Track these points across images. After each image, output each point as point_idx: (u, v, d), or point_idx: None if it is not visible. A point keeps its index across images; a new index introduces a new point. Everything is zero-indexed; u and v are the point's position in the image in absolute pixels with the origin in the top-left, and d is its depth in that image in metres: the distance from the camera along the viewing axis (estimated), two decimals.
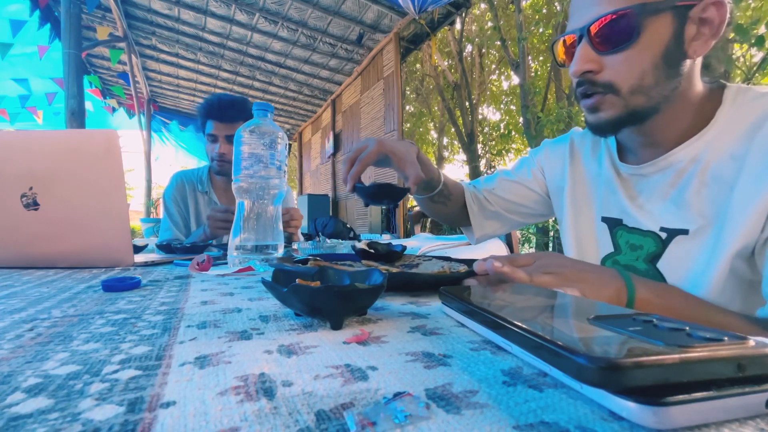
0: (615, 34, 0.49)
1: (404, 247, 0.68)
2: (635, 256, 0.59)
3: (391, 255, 0.65)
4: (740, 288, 0.50)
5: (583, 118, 0.74)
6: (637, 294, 0.40)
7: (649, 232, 0.57)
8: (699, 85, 0.53)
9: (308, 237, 1.43)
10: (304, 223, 5.16)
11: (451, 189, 0.81)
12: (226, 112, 1.23)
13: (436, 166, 0.78)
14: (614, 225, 0.62)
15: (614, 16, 0.48)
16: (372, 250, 0.65)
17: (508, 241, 1.95)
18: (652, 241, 0.56)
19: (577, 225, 0.69)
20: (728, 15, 0.47)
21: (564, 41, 0.57)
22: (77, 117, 2.56)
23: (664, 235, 0.55)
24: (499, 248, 1.97)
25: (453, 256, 0.68)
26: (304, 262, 0.58)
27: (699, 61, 0.52)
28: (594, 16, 0.50)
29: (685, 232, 0.53)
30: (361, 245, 0.68)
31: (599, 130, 0.56)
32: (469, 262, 0.56)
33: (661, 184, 0.56)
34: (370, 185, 0.61)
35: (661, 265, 0.56)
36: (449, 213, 0.83)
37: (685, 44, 0.49)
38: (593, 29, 0.50)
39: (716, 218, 0.50)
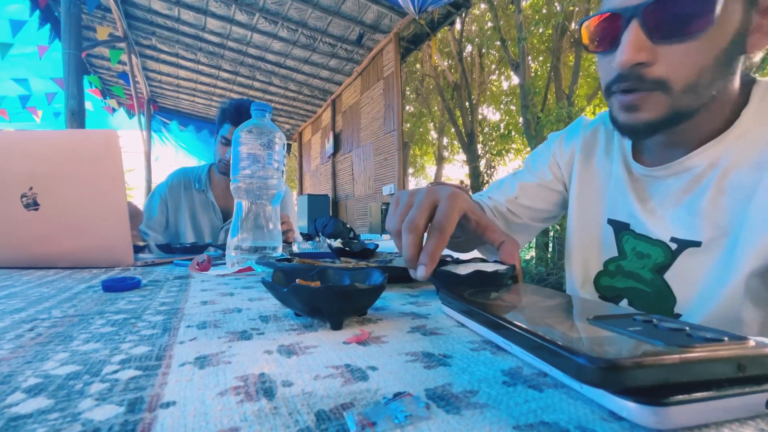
0: (683, 20, 0.41)
1: (377, 245, 0.75)
2: (641, 264, 0.55)
3: (365, 252, 0.72)
4: (756, 308, 0.46)
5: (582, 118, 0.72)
6: None
7: (658, 242, 0.53)
8: (736, 82, 0.46)
9: (308, 237, 1.43)
10: (304, 222, 5.16)
11: None
12: (243, 117, 1.24)
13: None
14: (620, 228, 0.58)
15: None
16: (347, 249, 0.72)
17: None
18: (661, 251, 0.52)
19: (582, 224, 0.64)
20: None
21: (596, 22, 0.48)
22: (77, 117, 2.56)
23: (674, 246, 0.51)
24: None
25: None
26: (289, 261, 0.61)
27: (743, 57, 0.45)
28: None
29: (697, 244, 0.49)
30: (336, 244, 0.74)
31: (634, 132, 0.49)
32: (441, 259, 0.58)
33: (675, 189, 0.51)
34: (471, 273, 0.38)
35: (669, 276, 0.52)
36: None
37: (747, 36, 0.42)
38: (652, 11, 0.41)
39: (732, 230, 0.46)
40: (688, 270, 0.50)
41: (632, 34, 0.43)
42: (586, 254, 0.64)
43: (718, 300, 0.47)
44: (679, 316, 0.52)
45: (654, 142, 0.54)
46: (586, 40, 0.50)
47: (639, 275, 0.56)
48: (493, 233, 0.45)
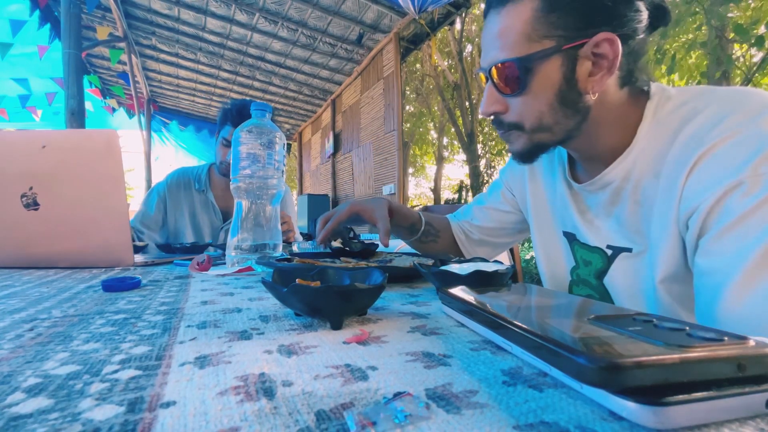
0: (508, 80, 0.50)
1: (377, 245, 0.76)
2: (588, 271, 0.60)
3: (365, 252, 0.73)
4: (683, 309, 0.49)
5: None
6: None
7: (596, 248, 0.57)
8: (620, 101, 0.51)
9: (308, 237, 1.42)
10: (304, 222, 5.16)
11: (437, 226, 0.83)
12: (245, 119, 1.24)
13: (415, 211, 0.82)
14: (571, 239, 0.63)
15: (504, 65, 0.50)
16: (347, 249, 0.72)
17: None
18: (599, 257, 0.57)
19: (543, 239, 0.69)
20: (620, 49, 0.46)
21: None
22: (77, 117, 2.55)
23: (609, 252, 0.56)
24: (501, 254, 1.96)
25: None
26: (289, 261, 0.62)
27: (612, 84, 0.50)
28: (491, 60, 0.51)
29: (628, 250, 0.53)
30: (336, 244, 0.74)
31: (517, 157, 0.57)
32: (441, 259, 0.60)
33: (604, 201, 0.56)
34: (471, 273, 0.42)
35: (607, 280, 0.56)
36: (441, 248, 0.85)
37: (580, 83, 0.48)
38: (493, 73, 0.51)
39: (650, 235, 0.50)
40: (622, 274, 0.54)
41: (488, 91, 0.54)
42: (554, 266, 0.68)
43: (650, 303, 0.51)
44: None
45: (576, 157, 0.60)
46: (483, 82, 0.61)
47: (589, 282, 0.60)
48: (375, 220, 0.70)
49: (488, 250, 0.85)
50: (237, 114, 1.23)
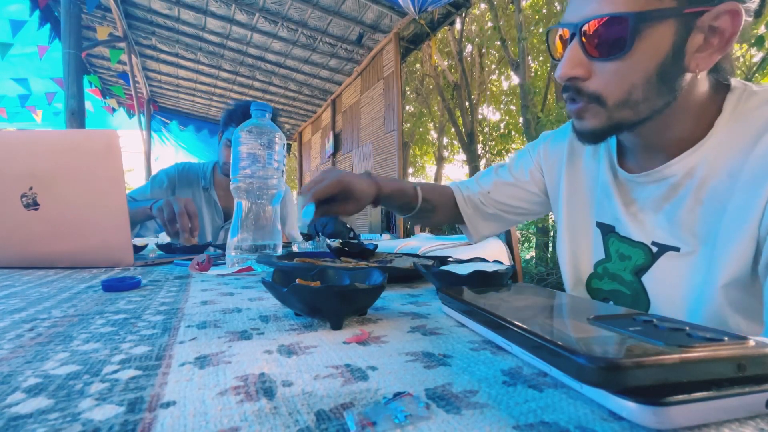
0: (607, 41, 0.44)
1: (376, 246, 0.76)
2: (623, 266, 0.57)
3: (364, 253, 0.72)
4: (739, 316, 0.46)
5: None
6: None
7: (639, 243, 0.54)
8: (702, 93, 0.48)
9: (308, 237, 1.42)
10: None
11: (436, 200, 0.77)
12: (242, 117, 1.23)
13: (410, 185, 0.74)
14: (607, 231, 0.60)
15: (608, 20, 0.43)
16: (346, 249, 0.72)
17: (508, 240, 1.95)
18: (642, 253, 0.54)
19: (572, 228, 0.66)
20: (741, 25, 0.41)
21: (560, 34, 0.52)
22: (77, 117, 2.55)
23: (655, 249, 0.52)
24: (499, 248, 1.97)
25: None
26: (290, 258, 0.63)
27: (704, 73, 0.46)
28: (589, 14, 0.44)
29: (676, 249, 0.50)
30: (335, 244, 0.74)
31: (584, 137, 0.52)
32: (441, 258, 0.62)
33: (656, 195, 0.53)
34: (471, 273, 0.41)
35: (646, 278, 0.54)
36: (439, 220, 0.81)
37: (686, 57, 0.43)
38: (586, 30, 0.45)
39: (708, 239, 0.47)
40: (666, 274, 0.51)
41: (571, 50, 0.47)
42: (577, 256, 0.65)
43: (693, 307, 0.48)
44: None
45: (633, 145, 0.56)
46: (552, 50, 0.55)
47: (621, 277, 0.57)
48: (352, 207, 0.66)
49: (495, 227, 0.80)
50: (241, 115, 1.21)
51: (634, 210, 0.55)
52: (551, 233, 5.05)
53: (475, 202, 0.78)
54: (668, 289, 0.51)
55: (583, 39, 0.46)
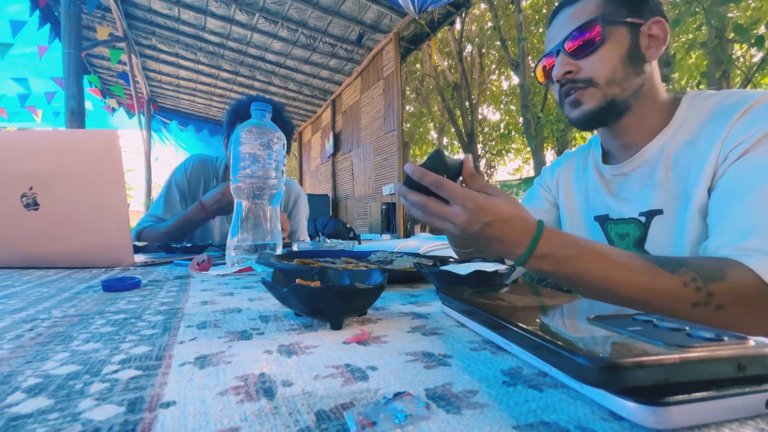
0: (587, 41, 0.59)
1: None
2: (625, 244, 0.64)
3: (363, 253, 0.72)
4: None
5: None
6: (535, 251, 0.43)
7: (631, 219, 0.63)
8: (662, 91, 0.62)
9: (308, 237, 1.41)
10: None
11: None
12: (244, 113, 1.17)
13: None
14: (604, 221, 0.68)
15: (585, 27, 0.59)
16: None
17: None
18: (635, 227, 0.62)
19: (572, 226, 0.75)
20: (668, 29, 0.58)
21: (543, 65, 0.68)
22: (77, 117, 2.55)
23: (643, 219, 0.61)
24: None
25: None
26: (289, 258, 0.62)
27: (656, 67, 0.61)
28: (566, 33, 0.61)
29: (660, 212, 0.59)
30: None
31: (583, 122, 0.63)
32: (441, 259, 0.62)
33: (637, 176, 0.63)
34: (471, 273, 0.42)
35: (648, 246, 0.61)
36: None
37: (642, 49, 0.58)
38: (567, 43, 0.61)
39: (683, 195, 0.56)
40: (659, 237, 0.59)
41: (561, 60, 0.62)
42: None
43: (687, 254, 0.55)
44: None
45: (613, 147, 0.68)
46: (539, 78, 0.70)
47: None
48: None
49: None
50: (244, 113, 1.16)
51: (621, 197, 0.66)
52: None
53: None
54: (667, 249, 0.58)
55: (567, 49, 0.61)
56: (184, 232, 1.15)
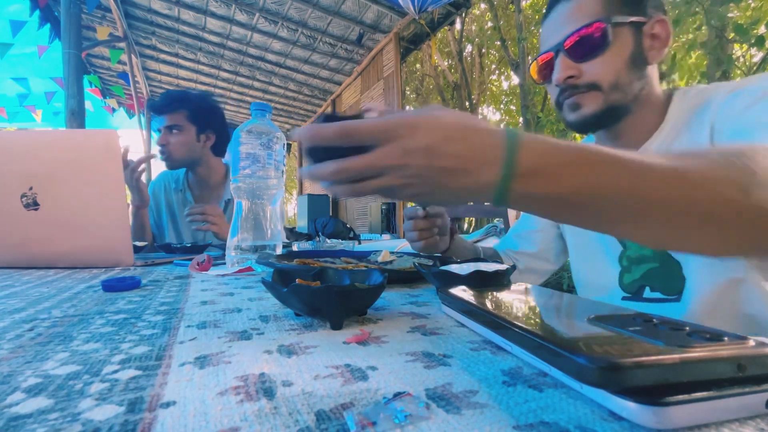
0: (591, 43, 0.57)
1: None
2: (625, 245, 0.64)
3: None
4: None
5: None
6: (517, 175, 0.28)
7: None
8: (658, 91, 0.62)
9: (308, 237, 1.42)
10: (304, 222, 5.15)
11: (490, 259, 0.85)
12: (156, 105, 1.30)
13: (472, 245, 0.81)
14: None
15: (589, 28, 0.56)
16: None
17: None
18: None
19: (578, 244, 0.74)
20: (671, 29, 0.58)
21: (538, 62, 0.64)
22: (77, 117, 2.55)
23: None
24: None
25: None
26: (289, 258, 0.62)
27: (656, 68, 0.61)
28: (568, 32, 0.58)
29: None
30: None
31: (580, 126, 0.62)
32: (441, 259, 0.63)
33: None
34: (471, 273, 0.40)
35: None
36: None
37: (644, 51, 0.58)
38: (569, 43, 0.58)
39: None
40: None
41: (561, 62, 0.59)
42: (594, 260, 0.70)
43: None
44: (684, 279, 0.58)
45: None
46: (534, 75, 0.67)
47: (644, 255, 0.63)
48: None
49: (535, 278, 0.87)
50: (154, 105, 1.28)
51: None
52: None
53: (511, 258, 0.84)
54: None
55: (568, 51, 0.58)
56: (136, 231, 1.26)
